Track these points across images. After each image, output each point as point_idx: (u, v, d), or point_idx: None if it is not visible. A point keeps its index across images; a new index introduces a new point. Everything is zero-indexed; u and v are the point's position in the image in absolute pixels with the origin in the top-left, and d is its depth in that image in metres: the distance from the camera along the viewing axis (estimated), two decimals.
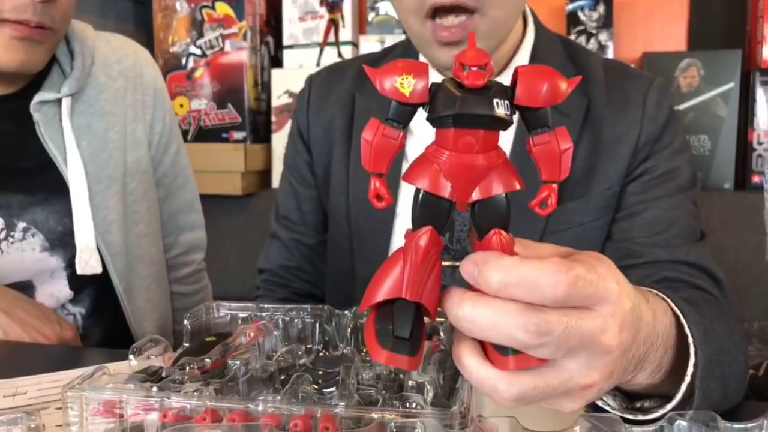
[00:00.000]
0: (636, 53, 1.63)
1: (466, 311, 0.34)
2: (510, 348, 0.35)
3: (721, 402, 0.50)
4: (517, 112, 0.35)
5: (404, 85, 0.34)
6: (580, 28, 1.63)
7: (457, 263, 0.36)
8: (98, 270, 0.86)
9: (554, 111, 0.72)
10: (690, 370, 0.46)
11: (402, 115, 0.35)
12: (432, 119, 0.34)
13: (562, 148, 0.35)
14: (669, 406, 0.46)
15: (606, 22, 1.62)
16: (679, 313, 0.47)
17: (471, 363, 0.36)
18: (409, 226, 0.37)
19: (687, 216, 0.70)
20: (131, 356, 0.56)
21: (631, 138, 0.71)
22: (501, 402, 0.35)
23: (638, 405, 0.48)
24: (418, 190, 0.36)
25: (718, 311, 0.58)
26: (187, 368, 0.54)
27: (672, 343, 0.46)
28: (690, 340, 0.46)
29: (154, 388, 0.49)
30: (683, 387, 0.46)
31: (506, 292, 0.33)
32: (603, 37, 1.62)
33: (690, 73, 1.57)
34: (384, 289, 0.36)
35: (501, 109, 0.33)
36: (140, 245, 0.94)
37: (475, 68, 0.33)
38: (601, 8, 1.62)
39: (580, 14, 1.64)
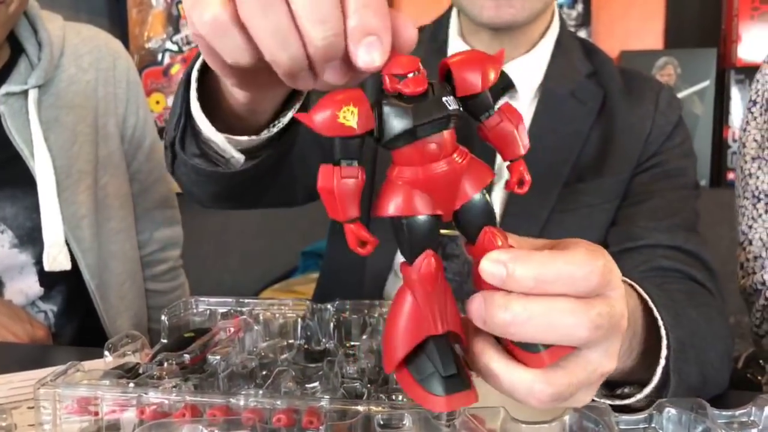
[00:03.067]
0: (614, 51, 1.65)
1: (517, 312, 0.31)
2: (539, 344, 0.33)
3: (701, 387, 0.51)
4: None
5: (347, 117, 0.30)
6: None
7: (455, 232, 0.34)
8: (67, 266, 0.83)
9: (572, 98, 0.75)
10: (664, 352, 0.47)
11: (353, 149, 0.31)
12: (388, 142, 0.32)
13: (514, 122, 0.34)
14: (647, 390, 0.47)
15: (584, 20, 1.64)
16: (646, 297, 0.47)
17: (501, 369, 0.33)
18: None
19: (689, 211, 0.72)
20: (106, 353, 0.54)
21: (643, 129, 0.74)
22: (537, 404, 0.33)
23: (618, 392, 0.49)
24: (399, 220, 0.32)
25: (702, 300, 0.59)
26: (165, 364, 0.52)
27: (640, 325, 0.46)
28: (660, 322, 0.47)
29: (131, 384, 0.47)
30: (659, 370, 0.46)
31: (541, 288, 0.31)
32: (582, 35, 1.63)
33: (667, 72, 1.59)
34: (406, 337, 0.33)
35: (452, 104, 0.32)
36: (113, 241, 0.92)
37: (411, 74, 0.31)
38: (580, 6, 1.63)
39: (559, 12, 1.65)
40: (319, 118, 0.30)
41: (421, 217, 0.32)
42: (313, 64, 0.30)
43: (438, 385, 0.33)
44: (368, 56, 0.29)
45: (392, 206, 0.32)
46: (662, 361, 0.47)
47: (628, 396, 0.48)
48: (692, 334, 0.51)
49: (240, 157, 0.52)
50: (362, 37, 0.29)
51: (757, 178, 0.76)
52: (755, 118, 0.78)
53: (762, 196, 0.75)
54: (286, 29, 0.29)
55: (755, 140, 0.77)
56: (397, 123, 0.31)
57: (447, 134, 0.32)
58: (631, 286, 0.48)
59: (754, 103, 0.78)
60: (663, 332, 0.47)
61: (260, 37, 0.30)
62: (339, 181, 0.31)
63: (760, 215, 0.76)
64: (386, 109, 0.31)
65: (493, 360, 0.34)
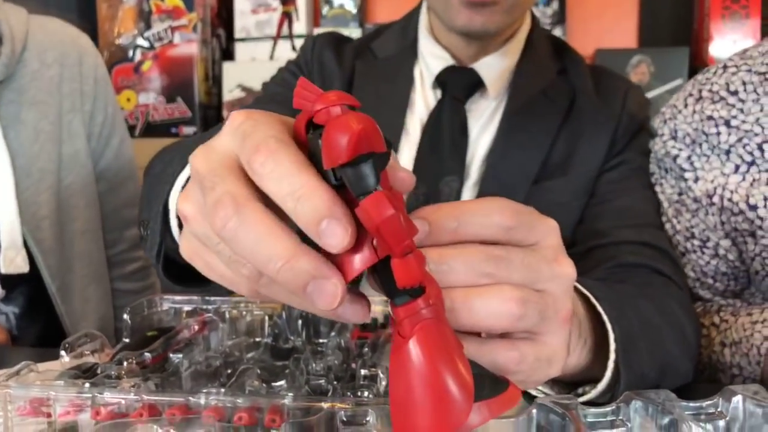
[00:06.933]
0: (589, 49, 1.66)
1: (435, 262, 0.32)
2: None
3: (659, 377, 0.51)
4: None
5: None
6: None
7: None
8: (25, 269, 0.81)
9: (542, 96, 0.75)
10: (612, 345, 0.46)
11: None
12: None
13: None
14: (600, 386, 0.46)
15: (559, 18, 1.64)
16: (587, 293, 0.47)
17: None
18: None
19: (654, 210, 0.72)
20: (63, 353, 0.52)
21: (610, 127, 0.74)
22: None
23: (580, 391, 0.48)
24: (385, 262, 0.28)
25: (660, 291, 0.59)
26: (125, 363, 0.50)
27: (584, 317, 0.46)
28: (604, 317, 0.46)
29: (87, 385, 0.45)
30: (610, 364, 0.46)
31: (463, 231, 0.33)
32: (557, 32, 1.64)
33: (640, 70, 1.60)
34: (465, 366, 0.28)
35: None
36: (78, 242, 0.89)
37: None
38: (555, 4, 1.64)
39: (534, 10, 1.65)
40: (376, 133, 0.27)
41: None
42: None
43: (500, 382, 0.31)
44: (333, 241, 0.27)
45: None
46: (612, 355, 0.46)
47: (587, 393, 0.47)
48: (642, 323, 0.50)
49: None
50: (317, 228, 0.27)
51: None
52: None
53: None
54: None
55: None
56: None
57: None
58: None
59: None
60: (608, 326, 0.46)
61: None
62: (397, 207, 0.27)
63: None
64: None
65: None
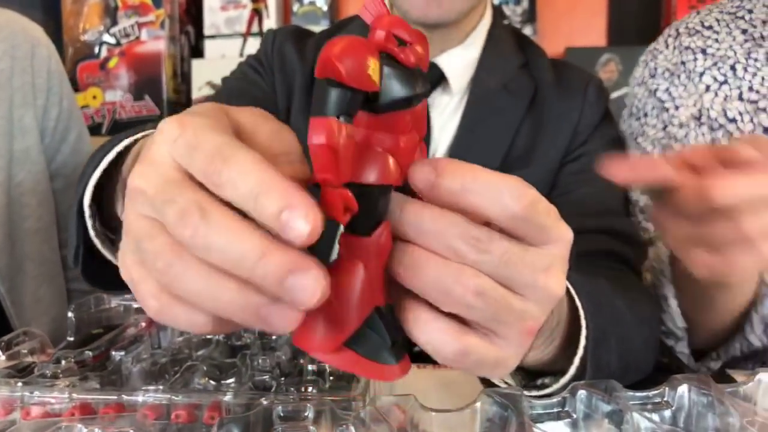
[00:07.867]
0: (559, 48, 1.66)
1: (410, 214, 0.30)
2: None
3: (622, 374, 0.49)
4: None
5: (374, 70, 0.27)
6: (505, 22, 1.64)
7: None
8: None
9: (504, 91, 0.75)
10: (582, 342, 0.45)
11: (354, 107, 0.28)
12: (384, 105, 0.29)
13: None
14: (563, 380, 0.45)
15: (530, 17, 1.65)
16: (568, 285, 0.46)
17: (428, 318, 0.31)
18: None
19: (618, 196, 0.72)
20: None
21: (572, 119, 0.74)
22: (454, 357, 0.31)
23: (539, 382, 0.47)
24: (371, 189, 0.29)
25: (629, 283, 0.58)
26: (63, 362, 0.48)
27: (565, 313, 0.45)
28: (581, 312, 0.45)
29: (18, 384, 0.43)
30: (577, 360, 0.45)
31: (464, 197, 0.29)
32: (527, 31, 1.64)
33: (609, 68, 1.61)
34: (358, 312, 0.30)
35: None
36: (30, 242, 0.86)
37: (418, 47, 0.29)
38: (525, 2, 1.64)
39: (505, 8, 1.65)
40: (349, 65, 0.26)
41: (388, 187, 0.30)
42: (272, 293, 0.26)
43: (388, 355, 0.31)
44: (293, 233, 0.25)
45: (373, 173, 0.29)
46: (580, 351, 0.45)
47: (548, 386, 0.47)
48: (616, 322, 0.49)
49: None
50: (279, 222, 0.25)
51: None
52: None
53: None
54: (215, 279, 0.26)
55: None
56: (399, 87, 0.29)
57: (418, 109, 0.31)
58: None
59: None
60: (583, 322, 0.45)
61: (202, 306, 0.27)
62: (344, 138, 0.27)
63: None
64: (388, 70, 0.28)
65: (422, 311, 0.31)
